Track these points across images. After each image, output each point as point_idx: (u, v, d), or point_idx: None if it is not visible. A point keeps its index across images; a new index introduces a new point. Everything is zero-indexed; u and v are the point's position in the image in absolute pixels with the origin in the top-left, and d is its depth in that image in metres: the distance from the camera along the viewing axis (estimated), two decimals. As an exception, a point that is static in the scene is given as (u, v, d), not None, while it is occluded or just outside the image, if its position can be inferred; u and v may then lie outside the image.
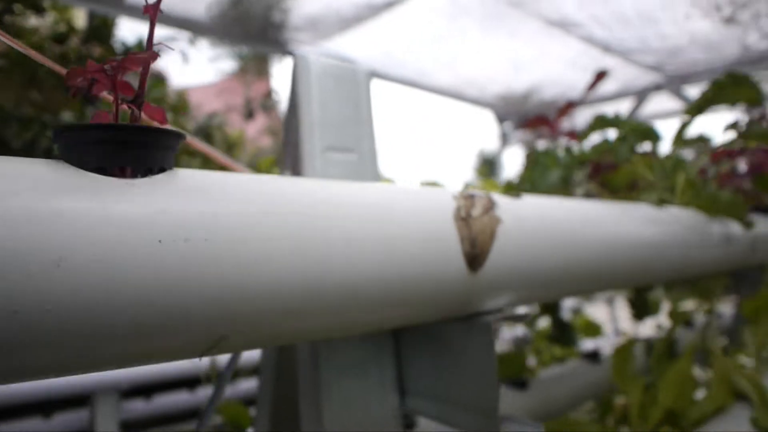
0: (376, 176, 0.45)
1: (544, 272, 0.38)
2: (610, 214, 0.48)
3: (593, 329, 1.62)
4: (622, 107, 2.13)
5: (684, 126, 0.74)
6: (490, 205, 0.35)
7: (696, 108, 0.75)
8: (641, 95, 2.09)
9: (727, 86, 0.72)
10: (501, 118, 2.35)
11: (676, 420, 0.77)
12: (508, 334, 2.16)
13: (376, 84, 2.07)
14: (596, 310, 2.30)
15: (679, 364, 0.70)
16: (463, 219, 0.32)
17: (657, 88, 2.03)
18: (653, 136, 0.69)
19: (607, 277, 0.46)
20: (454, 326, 0.37)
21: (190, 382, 1.31)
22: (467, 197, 0.34)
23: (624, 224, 0.48)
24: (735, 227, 0.68)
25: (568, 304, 2.04)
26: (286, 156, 0.47)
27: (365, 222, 0.29)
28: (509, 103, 2.16)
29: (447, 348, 0.38)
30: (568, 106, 1.10)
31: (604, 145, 0.72)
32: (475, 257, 0.32)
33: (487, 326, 0.34)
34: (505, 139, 2.42)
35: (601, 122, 0.75)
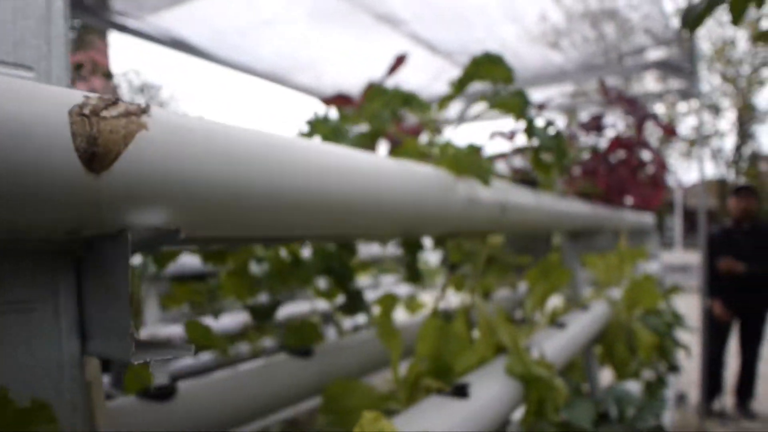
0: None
1: (213, 199, 0.36)
2: (328, 155, 0.48)
3: (416, 307, 1.84)
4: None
5: (446, 99, 0.80)
6: (139, 112, 0.32)
7: (459, 84, 0.81)
8: (469, 97, 2.25)
9: (484, 64, 0.79)
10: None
11: (445, 373, 0.82)
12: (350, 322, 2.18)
13: (211, 68, 1.97)
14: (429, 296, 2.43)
15: (436, 321, 0.74)
16: (84, 115, 0.29)
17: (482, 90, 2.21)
18: (414, 102, 0.73)
19: (312, 221, 0.47)
20: (104, 247, 0.34)
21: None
22: (106, 99, 0.31)
23: (340, 169, 0.49)
24: (484, 190, 0.74)
25: (402, 291, 2.13)
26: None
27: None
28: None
29: (102, 274, 0.35)
30: (370, 87, 1.13)
31: (374, 114, 0.75)
32: (93, 155, 0.29)
33: (123, 241, 0.31)
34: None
35: (373, 92, 0.78)
